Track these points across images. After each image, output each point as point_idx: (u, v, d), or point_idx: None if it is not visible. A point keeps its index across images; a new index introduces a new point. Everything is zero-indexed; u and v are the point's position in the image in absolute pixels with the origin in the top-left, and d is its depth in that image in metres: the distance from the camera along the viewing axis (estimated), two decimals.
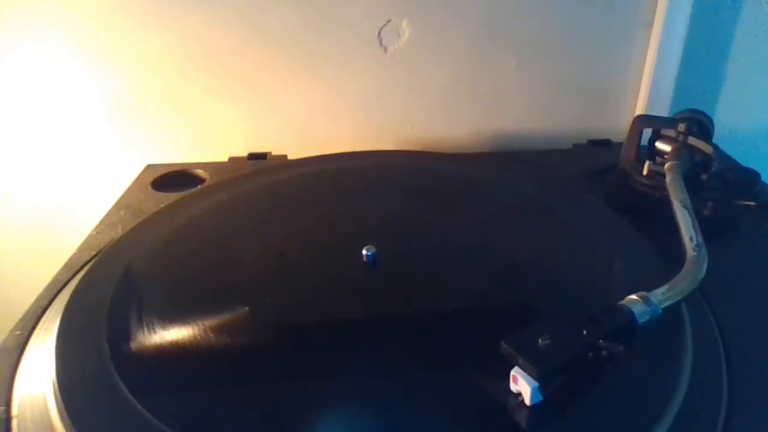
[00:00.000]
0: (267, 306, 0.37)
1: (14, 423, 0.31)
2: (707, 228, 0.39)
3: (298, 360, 0.33)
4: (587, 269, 0.41)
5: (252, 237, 0.45)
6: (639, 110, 0.67)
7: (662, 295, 0.32)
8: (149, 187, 0.57)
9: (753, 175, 0.48)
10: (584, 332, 0.29)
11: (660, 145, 0.50)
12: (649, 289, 0.32)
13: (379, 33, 0.63)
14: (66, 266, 0.45)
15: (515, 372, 0.28)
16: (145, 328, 0.35)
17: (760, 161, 0.51)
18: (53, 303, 0.40)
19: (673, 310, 0.32)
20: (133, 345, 0.34)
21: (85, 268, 0.43)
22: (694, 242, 0.37)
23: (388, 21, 0.62)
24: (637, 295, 0.31)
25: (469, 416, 0.29)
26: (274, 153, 0.64)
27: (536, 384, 0.27)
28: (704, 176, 0.47)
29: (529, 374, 0.27)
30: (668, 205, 0.42)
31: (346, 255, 0.41)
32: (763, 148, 0.69)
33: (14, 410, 0.32)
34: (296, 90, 0.65)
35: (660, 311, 0.31)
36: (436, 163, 0.58)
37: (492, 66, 0.65)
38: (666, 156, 0.49)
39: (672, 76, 0.65)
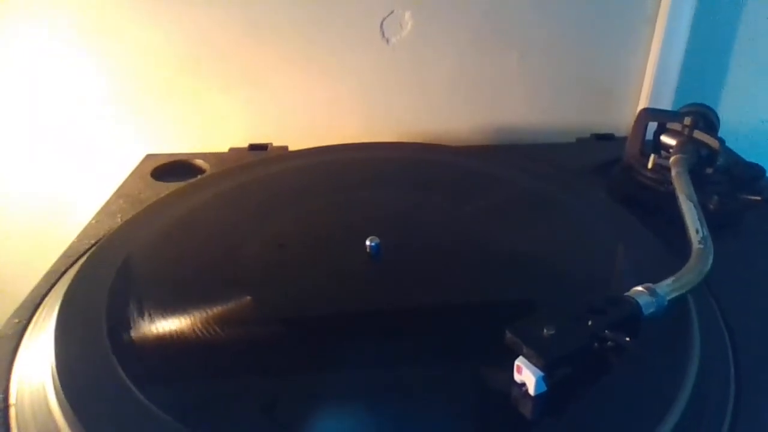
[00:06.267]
0: (269, 296, 0.37)
1: (12, 411, 0.31)
2: (713, 222, 0.39)
3: (300, 351, 0.33)
4: (593, 262, 0.41)
5: (253, 228, 0.45)
6: (642, 105, 0.67)
7: (668, 287, 0.31)
8: (149, 177, 0.56)
9: (758, 170, 0.48)
10: (589, 322, 0.28)
11: (665, 139, 0.50)
12: (655, 281, 0.32)
13: (382, 24, 0.62)
14: (65, 255, 0.44)
15: (519, 362, 0.28)
16: (144, 317, 0.34)
17: (763, 156, 0.51)
18: (52, 291, 0.40)
19: (679, 303, 0.32)
20: (132, 333, 0.33)
21: (84, 257, 0.42)
22: (700, 235, 0.37)
23: (391, 12, 0.62)
24: (643, 287, 0.31)
25: (472, 406, 0.29)
26: (275, 144, 0.64)
27: (541, 374, 0.27)
28: (709, 170, 0.47)
29: (533, 364, 0.27)
30: (673, 198, 0.42)
31: (349, 246, 0.40)
32: (766, 143, 0.69)
33: (12, 398, 0.32)
34: (297, 81, 0.64)
35: (666, 303, 0.31)
36: (438, 155, 0.58)
37: (495, 59, 0.65)
38: (671, 150, 0.48)
39: (675, 71, 0.65)
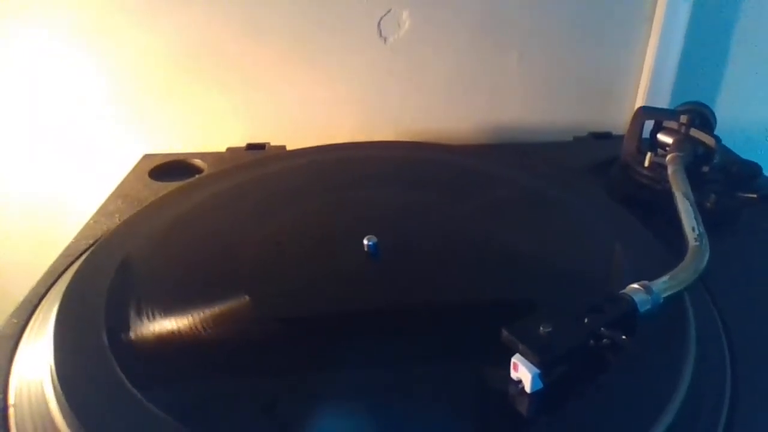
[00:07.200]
0: (267, 295, 0.37)
1: (11, 411, 0.31)
2: (709, 220, 0.39)
3: (298, 350, 0.33)
4: (589, 260, 0.41)
5: (251, 227, 0.45)
6: (639, 103, 0.67)
7: (663, 285, 0.32)
8: (147, 177, 0.57)
9: (755, 168, 0.48)
10: (586, 320, 0.29)
11: (662, 137, 0.50)
12: (651, 279, 0.32)
13: (379, 23, 0.62)
14: (63, 255, 0.44)
15: (516, 359, 0.28)
16: (143, 317, 0.34)
17: (760, 154, 0.51)
18: (50, 291, 0.40)
19: (676, 301, 0.32)
20: (131, 333, 0.33)
21: (83, 257, 0.42)
22: (696, 232, 0.37)
23: (389, 11, 0.62)
24: (638, 284, 0.31)
25: (469, 404, 0.29)
26: (272, 143, 0.64)
27: (537, 371, 0.27)
28: (706, 168, 0.47)
29: (530, 361, 0.27)
30: (670, 196, 0.42)
31: (347, 245, 0.40)
32: (762, 141, 0.69)
33: (11, 399, 0.32)
34: (295, 80, 0.65)
35: (661, 300, 0.31)
36: (436, 154, 0.58)
37: (493, 58, 0.65)
38: (668, 148, 0.49)
39: (672, 69, 0.65)
